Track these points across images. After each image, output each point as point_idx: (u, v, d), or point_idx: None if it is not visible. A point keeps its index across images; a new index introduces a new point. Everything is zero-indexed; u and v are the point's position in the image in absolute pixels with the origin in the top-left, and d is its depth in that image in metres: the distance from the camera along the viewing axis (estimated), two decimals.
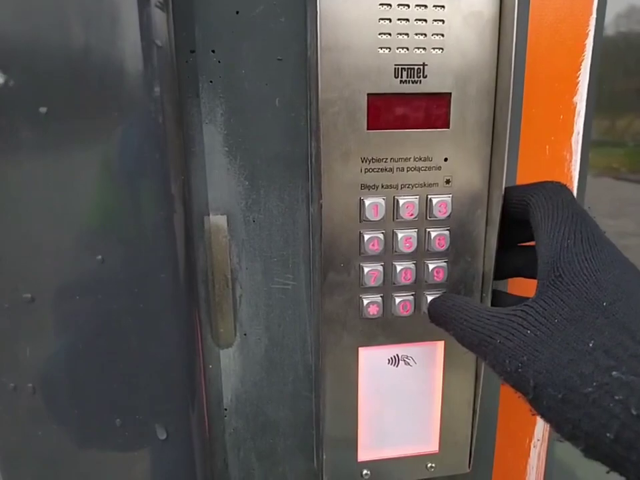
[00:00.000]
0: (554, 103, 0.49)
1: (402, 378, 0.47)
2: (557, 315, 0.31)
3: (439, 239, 0.43)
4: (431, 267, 0.43)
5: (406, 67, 0.40)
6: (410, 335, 0.46)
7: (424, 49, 0.40)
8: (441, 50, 0.40)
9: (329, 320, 0.44)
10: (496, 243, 0.43)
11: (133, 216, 0.35)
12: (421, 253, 0.43)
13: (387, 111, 0.41)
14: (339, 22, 0.38)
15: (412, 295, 0.44)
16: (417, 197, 0.42)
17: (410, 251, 0.43)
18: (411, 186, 0.42)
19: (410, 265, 0.43)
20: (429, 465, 0.49)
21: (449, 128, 0.42)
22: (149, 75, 0.32)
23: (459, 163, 0.43)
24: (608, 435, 0.26)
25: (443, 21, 0.40)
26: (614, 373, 0.27)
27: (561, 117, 0.50)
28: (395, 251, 0.43)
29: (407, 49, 0.40)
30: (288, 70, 0.43)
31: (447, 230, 0.43)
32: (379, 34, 0.39)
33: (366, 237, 0.42)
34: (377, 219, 0.42)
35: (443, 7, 0.39)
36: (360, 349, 0.45)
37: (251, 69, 0.42)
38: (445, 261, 0.44)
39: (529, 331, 0.31)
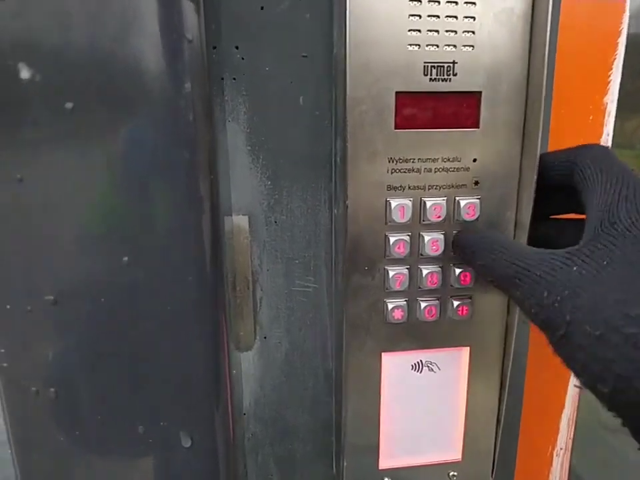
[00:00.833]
0: (584, 103, 0.48)
1: (425, 384, 0.45)
2: (606, 258, 0.30)
3: None
4: (457, 271, 0.42)
5: (436, 64, 0.39)
6: (434, 340, 0.44)
7: (454, 46, 0.39)
8: (471, 47, 0.39)
9: (352, 324, 0.43)
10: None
11: (161, 217, 0.35)
12: (448, 257, 0.42)
13: (415, 109, 0.39)
14: (368, 17, 0.37)
15: (437, 299, 0.43)
16: (445, 198, 0.41)
17: (436, 254, 0.41)
18: (438, 187, 0.41)
19: (436, 268, 0.42)
20: (451, 473, 0.48)
21: (478, 128, 0.40)
22: (179, 71, 0.31)
23: (488, 164, 0.41)
24: None
25: (474, 17, 0.39)
26: None
27: (591, 117, 0.49)
28: (421, 254, 0.42)
29: (437, 46, 0.38)
30: (313, 67, 0.42)
31: None
32: (409, 30, 0.38)
33: (392, 239, 0.41)
34: (403, 221, 0.40)
35: (474, 3, 0.38)
36: (383, 354, 0.44)
37: (275, 66, 0.41)
38: None
39: (575, 268, 0.30)
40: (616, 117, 0.49)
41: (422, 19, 0.38)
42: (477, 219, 0.42)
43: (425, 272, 0.42)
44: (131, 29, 0.31)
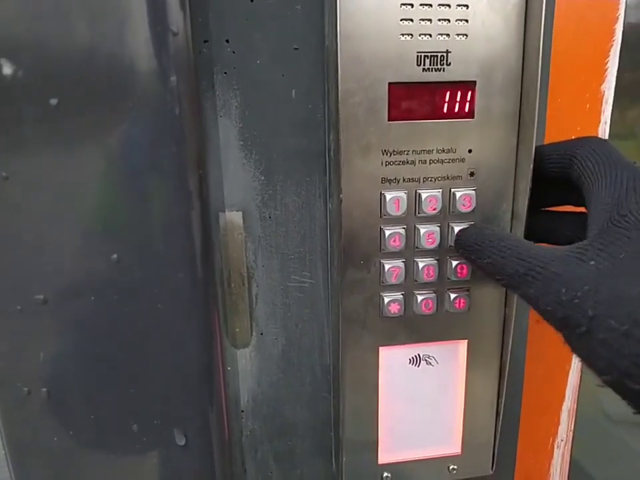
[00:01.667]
0: (581, 92, 0.47)
1: (423, 378, 0.45)
2: (621, 251, 0.29)
3: None
4: (454, 263, 0.42)
5: (429, 54, 0.38)
6: (432, 334, 0.44)
7: (447, 35, 0.38)
8: (465, 36, 0.38)
9: (348, 319, 0.42)
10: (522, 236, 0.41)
11: (149, 213, 0.34)
12: (444, 249, 0.42)
13: (408, 100, 0.39)
14: (359, 8, 0.37)
15: (434, 292, 0.43)
16: (440, 190, 0.41)
17: (432, 246, 0.41)
18: (433, 179, 0.40)
19: (432, 261, 0.42)
20: (451, 466, 0.48)
21: (473, 118, 0.40)
22: (164, 64, 0.31)
23: (484, 155, 0.41)
24: None
25: (467, 6, 0.38)
26: None
27: (588, 105, 0.48)
28: (417, 247, 0.41)
29: (430, 36, 0.38)
30: (305, 60, 0.41)
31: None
32: (401, 20, 0.37)
33: (387, 232, 0.40)
34: (398, 213, 0.40)
35: None
36: (380, 348, 0.44)
37: (266, 60, 0.41)
38: None
39: (592, 262, 0.29)
40: (616, 106, 0.49)
41: (414, 7, 0.37)
42: (473, 210, 0.41)
43: (421, 265, 0.41)
44: (114, 22, 0.30)
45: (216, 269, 0.43)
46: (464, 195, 0.41)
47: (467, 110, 0.40)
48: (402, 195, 0.40)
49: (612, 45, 0.47)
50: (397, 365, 0.44)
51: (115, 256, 0.34)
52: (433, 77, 0.39)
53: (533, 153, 0.39)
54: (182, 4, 0.31)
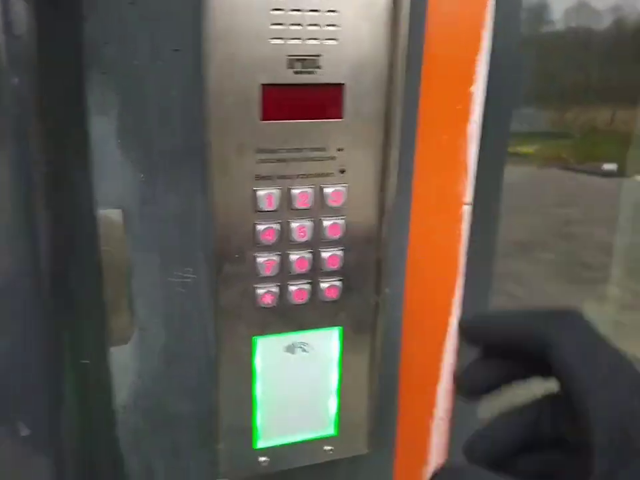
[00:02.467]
0: (451, 93, 0.50)
1: (299, 365, 0.47)
2: None
3: (333, 228, 0.43)
4: (325, 255, 0.44)
5: (300, 57, 0.40)
6: (307, 322, 0.46)
7: (317, 39, 0.40)
8: (335, 41, 0.40)
9: (224, 311, 0.44)
10: (389, 232, 0.44)
11: None
12: (316, 242, 0.44)
13: (280, 101, 0.41)
14: (231, 11, 0.38)
15: (308, 282, 0.45)
16: (312, 186, 0.43)
17: (305, 239, 0.43)
18: (305, 176, 0.42)
19: (305, 253, 0.44)
20: (327, 448, 0.50)
21: (342, 118, 0.42)
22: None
23: (354, 153, 0.43)
24: None
25: (337, 11, 0.40)
26: None
27: (459, 106, 0.51)
28: (290, 241, 0.43)
29: (301, 40, 0.40)
30: (184, 60, 0.42)
31: (342, 219, 0.44)
32: (272, 24, 0.39)
33: (260, 227, 0.42)
34: (272, 209, 0.42)
35: None
36: (256, 338, 0.45)
37: (146, 60, 0.41)
38: (340, 249, 0.45)
39: None
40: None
41: (285, 12, 0.39)
42: (343, 205, 0.43)
43: (293, 257, 0.43)
44: None
45: (94, 267, 0.43)
46: (334, 191, 0.43)
47: (336, 111, 0.42)
48: (275, 191, 0.42)
49: (480, 49, 0.49)
50: (273, 354, 0.46)
51: None
52: (304, 79, 0.40)
53: (398, 151, 0.42)
54: (27, 6, 0.31)
